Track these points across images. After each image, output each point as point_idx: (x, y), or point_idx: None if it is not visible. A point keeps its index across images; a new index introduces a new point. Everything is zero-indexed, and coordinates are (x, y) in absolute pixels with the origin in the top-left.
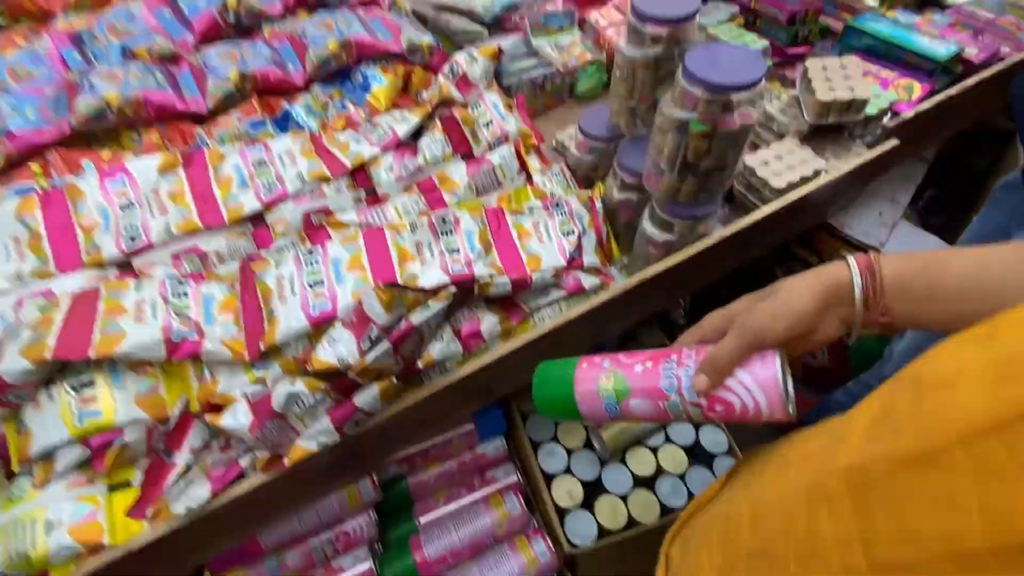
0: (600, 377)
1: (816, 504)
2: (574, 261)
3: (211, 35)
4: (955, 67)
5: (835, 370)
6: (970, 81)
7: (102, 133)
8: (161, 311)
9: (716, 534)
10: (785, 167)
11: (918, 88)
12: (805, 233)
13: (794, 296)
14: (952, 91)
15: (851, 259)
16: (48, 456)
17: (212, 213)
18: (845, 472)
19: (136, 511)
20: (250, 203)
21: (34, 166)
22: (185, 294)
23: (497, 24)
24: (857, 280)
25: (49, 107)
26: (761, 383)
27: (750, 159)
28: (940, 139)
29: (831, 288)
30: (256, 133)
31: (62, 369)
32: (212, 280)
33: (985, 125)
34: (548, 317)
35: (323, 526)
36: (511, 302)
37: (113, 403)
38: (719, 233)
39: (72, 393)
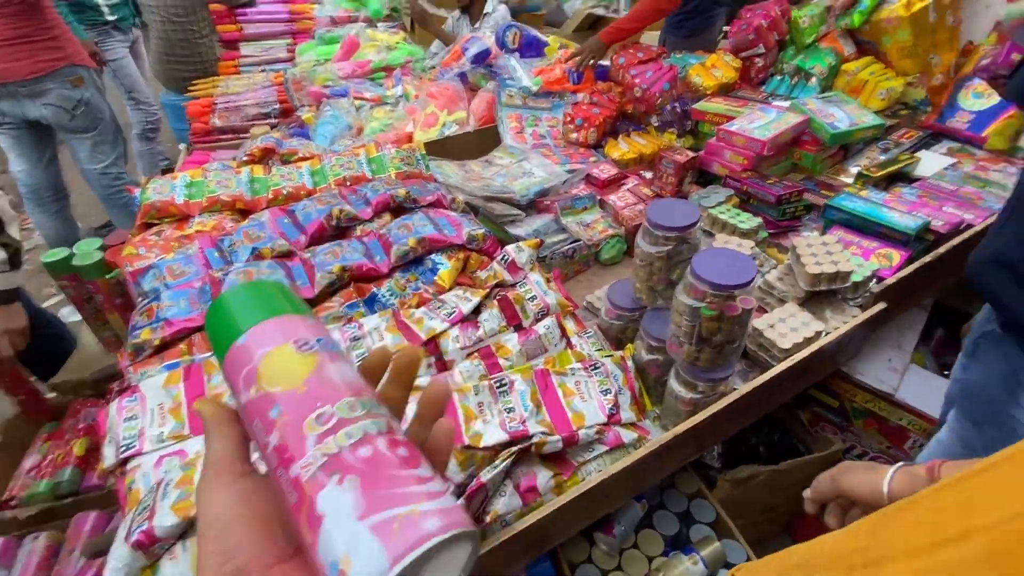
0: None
1: None
2: (613, 417)
3: (318, 235)
4: (926, 236)
5: None
6: (942, 249)
7: None
8: None
9: None
10: (789, 329)
11: (897, 256)
12: (823, 379)
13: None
14: (927, 258)
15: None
16: None
17: None
18: None
19: None
20: None
21: (182, 346)
22: None
23: (532, 206)
24: None
25: (196, 298)
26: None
27: (758, 322)
28: (926, 297)
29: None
30: (351, 313)
31: (194, 522)
32: None
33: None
34: (594, 470)
35: None
36: (561, 457)
37: None
38: (739, 391)
39: None
